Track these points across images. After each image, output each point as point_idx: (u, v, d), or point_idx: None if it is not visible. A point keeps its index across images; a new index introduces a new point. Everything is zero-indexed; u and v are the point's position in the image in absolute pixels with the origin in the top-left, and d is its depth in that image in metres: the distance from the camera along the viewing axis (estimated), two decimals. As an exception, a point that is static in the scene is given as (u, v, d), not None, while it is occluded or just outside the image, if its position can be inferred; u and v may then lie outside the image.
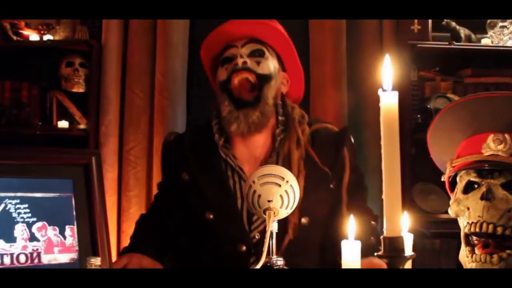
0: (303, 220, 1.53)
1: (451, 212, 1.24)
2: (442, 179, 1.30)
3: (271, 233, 1.19)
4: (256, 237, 1.54)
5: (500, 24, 2.67)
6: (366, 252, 1.17)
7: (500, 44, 2.67)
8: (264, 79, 1.58)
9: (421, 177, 2.63)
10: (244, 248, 1.52)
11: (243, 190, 1.31)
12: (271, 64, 1.62)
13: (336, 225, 1.51)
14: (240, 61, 1.57)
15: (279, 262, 1.17)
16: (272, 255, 1.18)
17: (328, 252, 1.56)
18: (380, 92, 0.79)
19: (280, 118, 1.63)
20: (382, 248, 0.79)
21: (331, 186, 1.59)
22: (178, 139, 1.78)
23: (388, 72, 0.79)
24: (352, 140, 1.74)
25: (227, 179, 1.60)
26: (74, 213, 1.66)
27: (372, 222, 1.63)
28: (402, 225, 0.91)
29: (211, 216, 1.56)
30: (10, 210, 1.56)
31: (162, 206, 1.74)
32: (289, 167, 1.50)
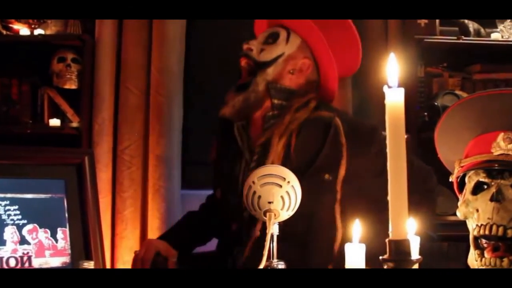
0: None
1: (460, 214, 1.24)
2: (450, 180, 1.30)
3: (272, 236, 1.19)
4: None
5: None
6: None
7: (511, 39, 2.67)
8: (260, 66, 1.73)
9: (428, 178, 2.63)
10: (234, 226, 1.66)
11: (244, 189, 1.31)
12: (277, 50, 1.74)
13: (322, 218, 1.59)
14: (244, 46, 1.76)
15: (280, 266, 1.17)
16: (272, 259, 1.18)
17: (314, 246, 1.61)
18: (385, 89, 0.79)
19: (276, 101, 1.72)
20: (387, 251, 0.79)
21: (326, 176, 1.60)
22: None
23: (393, 68, 0.79)
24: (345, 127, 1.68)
25: (239, 157, 1.74)
26: (66, 215, 1.66)
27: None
28: (408, 227, 0.91)
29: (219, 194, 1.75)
30: (0, 212, 1.56)
31: (206, 206, 1.94)
32: (267, 155, 1.61)
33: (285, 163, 1.56)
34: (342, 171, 1.60)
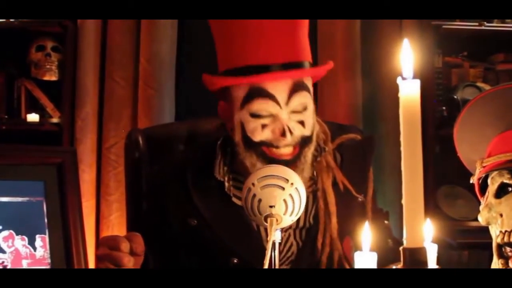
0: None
1: (482, 219, 1.24)
2: (471, 181, 1.30)
3: (273, 244, 1.19)
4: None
5: (539, 1, 2.67)
6: (386, 257, 1.21)
7: (538, 25, 2.67)
8: (307, 141, 1.53)
9: (446, 179, 2.64)
10: None
11: (242, 192, 1.31)
12: (313, 113, 1.55)
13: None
14: (288, 140, 1.49)
15: (283, 276, 1.17)
16: (274, 268, 1.19)
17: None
18: (399, 80, 0.79)
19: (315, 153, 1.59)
20: (401, 260, 0.79)
21: (360, 199, 1.61)
22: (170, 164, 1.68)
23: (408, 57, 0.79)
24: None
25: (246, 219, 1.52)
26: (46, 220, 1.67)
27: (386, 222, 1.67)
28: (425, 234, 0.91)
29: (235, 261, 1.53)
30: (-28, 217, 1.56)
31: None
32: (327, 207, 1.54)
33: (346, 204, 1.58)
34: (370, 192, 1.62)
